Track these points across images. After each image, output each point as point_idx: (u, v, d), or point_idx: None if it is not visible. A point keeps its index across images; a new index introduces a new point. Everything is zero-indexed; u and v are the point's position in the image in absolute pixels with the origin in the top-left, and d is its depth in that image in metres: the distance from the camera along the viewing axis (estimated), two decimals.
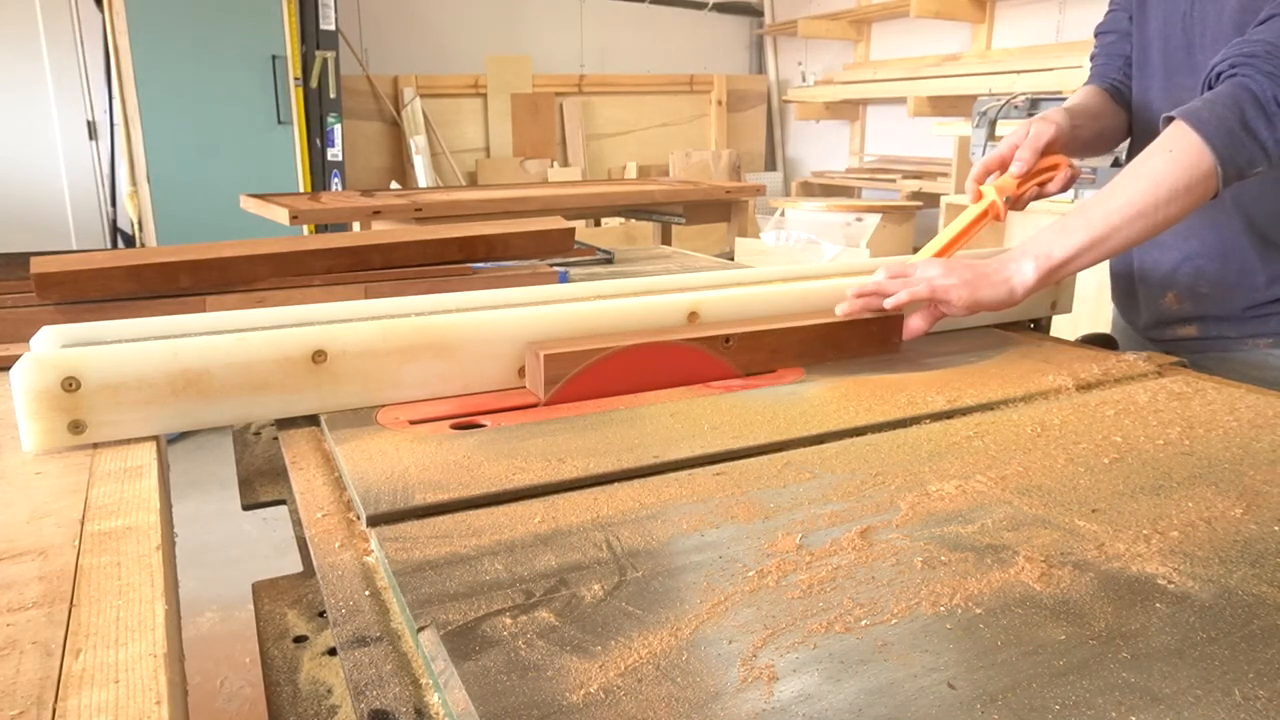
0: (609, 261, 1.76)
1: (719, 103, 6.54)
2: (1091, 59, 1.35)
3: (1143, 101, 1.23)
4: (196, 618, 2.37)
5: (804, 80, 6.51)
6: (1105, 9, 1.32)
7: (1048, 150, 1.13)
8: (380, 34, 5.60)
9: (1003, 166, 1.15)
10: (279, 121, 4.57)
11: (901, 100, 5.38)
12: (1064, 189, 1.14)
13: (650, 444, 0.78)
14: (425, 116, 5.61)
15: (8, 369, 0.78)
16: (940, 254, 1.09)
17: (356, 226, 2.95)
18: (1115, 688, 0.46)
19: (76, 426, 0.76)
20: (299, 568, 0.81)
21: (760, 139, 6.82)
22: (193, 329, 0.87)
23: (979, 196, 1.13)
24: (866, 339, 1.05)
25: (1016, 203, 1.13)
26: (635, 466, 0.74)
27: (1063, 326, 1.30)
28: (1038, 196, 1.14)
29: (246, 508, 0.93)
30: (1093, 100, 1.29)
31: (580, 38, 6.29)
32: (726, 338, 0.97)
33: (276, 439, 0.89)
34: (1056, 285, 1.26)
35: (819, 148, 6.62)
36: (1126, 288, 1.29)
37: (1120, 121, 1.29)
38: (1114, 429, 0.84)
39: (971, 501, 0.68)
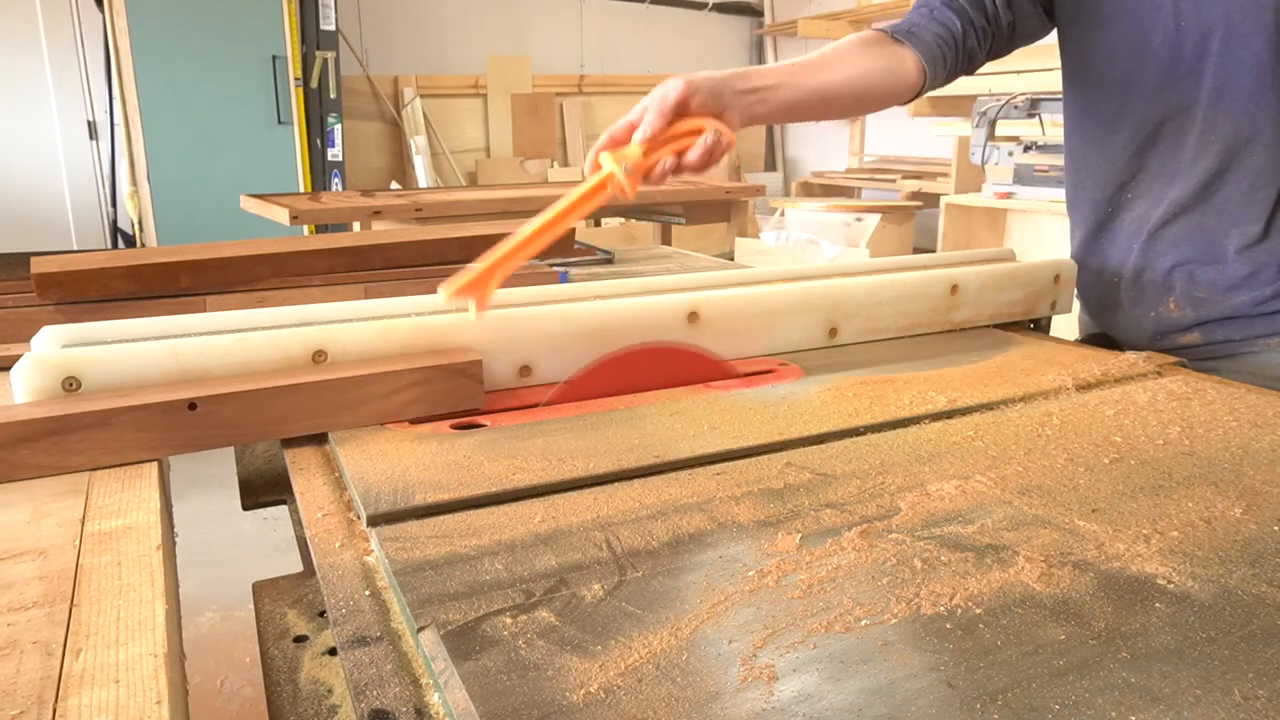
0: (609, 261, 1.76)
1: None
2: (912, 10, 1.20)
3: (1119, 117, 1.17)
4: (196, 618, 2.37)
5: None
6: None
7: (683, 112, 0.95)
8: (380, 34, 5.60)
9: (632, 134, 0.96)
10: (279, 121, 4.58)
11: None
12: (709, 160, 0.95)
13: (650, 444, 0.78)
14: (425, 116, 5.61)
15: (8, 369, 0.78)
16: (543, 230, 0.90)
17: (356, 226, 2.96)
18: (1115, 687, 0.46)
19: None
20: (299, 568, 0.81)
21: (760, 139, 6.82)
22: (193, 329, 0.87)
23: (597, 167, 0.94)
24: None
25: (649, 175, 0.94)
26: (635, 466, 0.74)
27: (1063, 326, 1.30)
28: (678, 169, 0.95)
29: (246, 508, 0.93)
30: (839, 50, 1.12)
31: (580, 38, 6.29)
32: (192, 403, 0.76)
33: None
34: (1057, 284, 1.25)
35: (819, 148, 6.63)
36: (1110, 300, 1.25)
37: (889, 67, 1.13)
38: (1114, 429, 0.84)
39: (971, 501, 0.68)
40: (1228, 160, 1.10)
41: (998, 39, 1.22)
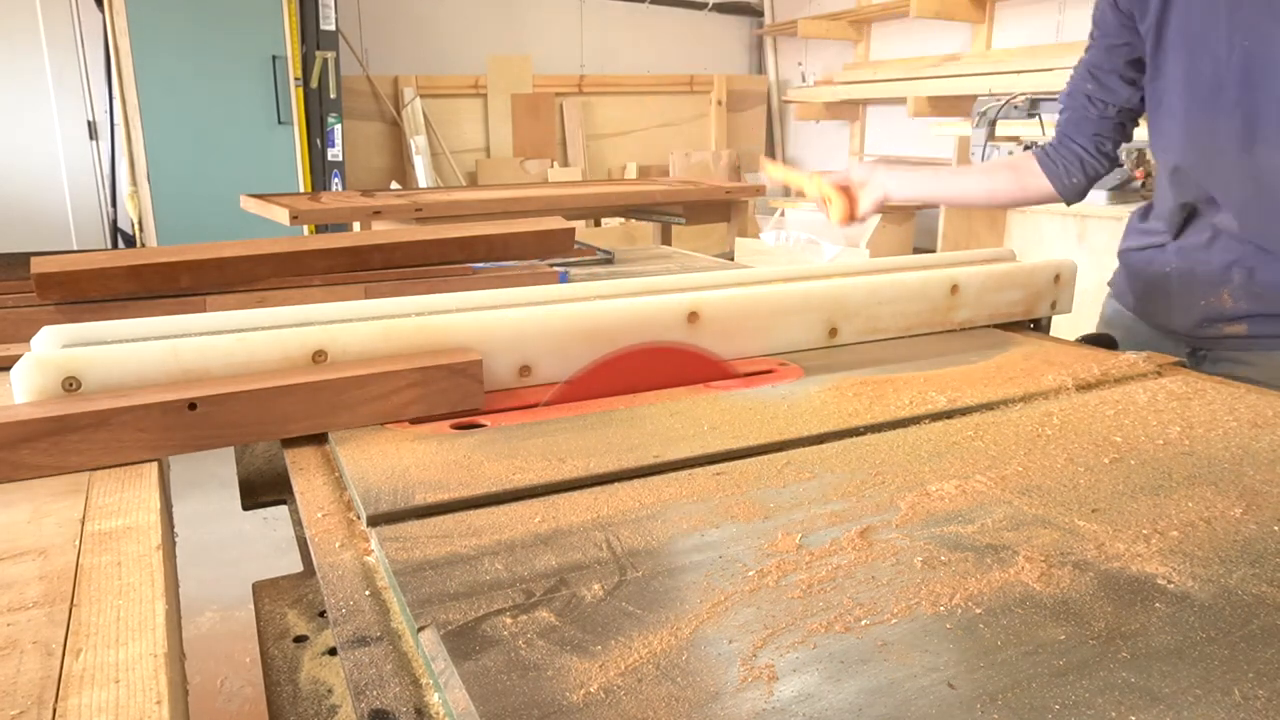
0: (609, 261, 1.76)
1: (719, 103, 6.54)
2: (1057, 125, 1.40)
3: (1161, 140, 1.25)
4: (196, 618, 2.37)
5: (804, 80, 6.51)
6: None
7: (844, 182, 1.45)
8: (380, 34, 5.60)
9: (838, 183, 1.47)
10: (279, 121, 4.58)
11: (901, 100, 5.38)
12: (836, 218, 1.45)
13: (650, 444, 0.78)
14: (425, 116, 5.61)
15: (8, 369, 0.78)
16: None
17: (356, 226, 2.96)
18: (1115, 687, 0.46)
19: None
20: (299, 568, 0.81)
21: (760, 139, 6.82)
22: (193, 329, 0.87)
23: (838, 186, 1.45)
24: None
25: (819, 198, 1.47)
26: (635, 466, 0.74)
27: (1063, 326, 1.30)
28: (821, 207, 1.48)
29: (247, 508, 0.93)
30: (989, 167, 1.52)
31: (580, 38, 6.29)
32: (192, 403, 0.75)
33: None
34: (1057, 284, 1.26)
35: (819, 148, 6.62)
36: (1157, 288, 1.29)
37: (1021, 183, 1.41)
38: (1114, 429, 0.84)
39: (971, 501, 0.68)
40: (1266, 184, 1.12)
41: (1127, 125, 1.35)
